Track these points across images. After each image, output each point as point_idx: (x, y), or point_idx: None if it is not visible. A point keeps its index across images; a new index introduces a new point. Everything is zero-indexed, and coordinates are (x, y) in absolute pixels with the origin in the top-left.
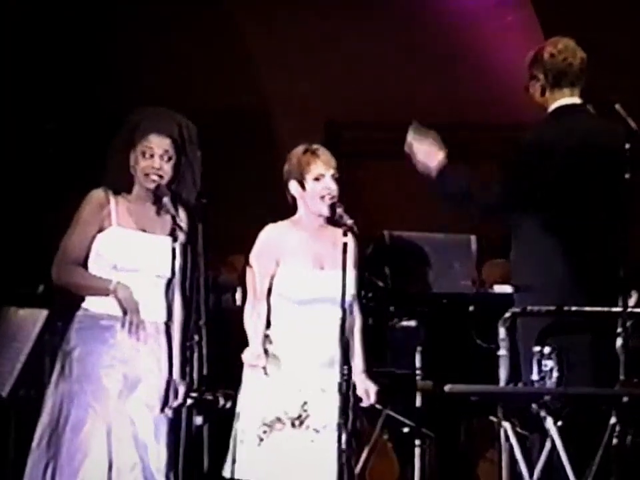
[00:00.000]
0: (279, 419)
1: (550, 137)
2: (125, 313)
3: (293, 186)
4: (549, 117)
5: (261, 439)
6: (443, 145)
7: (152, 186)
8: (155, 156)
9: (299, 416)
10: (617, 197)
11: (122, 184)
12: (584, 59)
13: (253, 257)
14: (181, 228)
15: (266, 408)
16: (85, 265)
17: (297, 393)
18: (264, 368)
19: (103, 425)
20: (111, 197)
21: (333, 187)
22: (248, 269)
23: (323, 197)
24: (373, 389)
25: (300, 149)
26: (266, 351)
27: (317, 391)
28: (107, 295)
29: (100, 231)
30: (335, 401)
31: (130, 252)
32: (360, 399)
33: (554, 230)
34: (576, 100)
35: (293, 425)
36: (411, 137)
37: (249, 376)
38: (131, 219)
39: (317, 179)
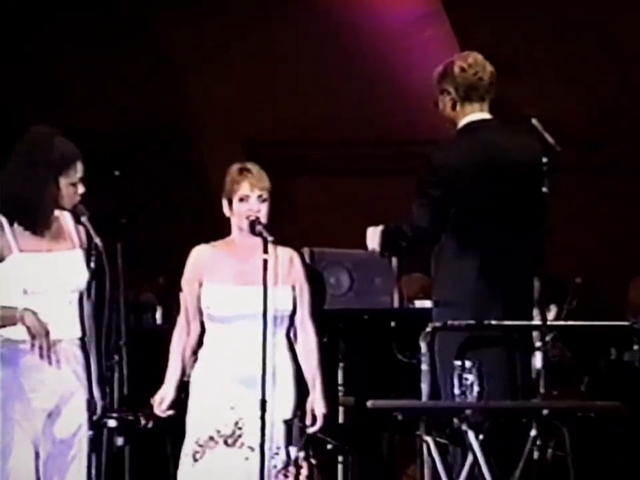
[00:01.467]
0: (211, 438)
1: (461, 153)
2: (33, 338)
3: (225, 205)
4: (460, 132)
5: (195, 459)
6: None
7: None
8: (79, 183)
9: (233, 433)
10: (530, 210)
11: (40, 216)
12: (493, 73)
13: (182, 279)
14: (97, 247)
15: (199, 427)
16: None
17: (229, 411)
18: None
19: (30, 447)
20: (5, 225)
21: (256, 209)
22: (181, 291)
23: (247, 217)
24: (320, 411)
25: (235, 167)
26: (184, 386)
27: (251, 408)
28: (15, 323)
29: (0, 260)
30: (276, 418)
31: (37, 273)
32: (305, 422)
33: (470, 245)
34: (485, 115)
35: (226, 443)
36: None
37: (190, 396)
38: (34, 241)
39: (241, 200)
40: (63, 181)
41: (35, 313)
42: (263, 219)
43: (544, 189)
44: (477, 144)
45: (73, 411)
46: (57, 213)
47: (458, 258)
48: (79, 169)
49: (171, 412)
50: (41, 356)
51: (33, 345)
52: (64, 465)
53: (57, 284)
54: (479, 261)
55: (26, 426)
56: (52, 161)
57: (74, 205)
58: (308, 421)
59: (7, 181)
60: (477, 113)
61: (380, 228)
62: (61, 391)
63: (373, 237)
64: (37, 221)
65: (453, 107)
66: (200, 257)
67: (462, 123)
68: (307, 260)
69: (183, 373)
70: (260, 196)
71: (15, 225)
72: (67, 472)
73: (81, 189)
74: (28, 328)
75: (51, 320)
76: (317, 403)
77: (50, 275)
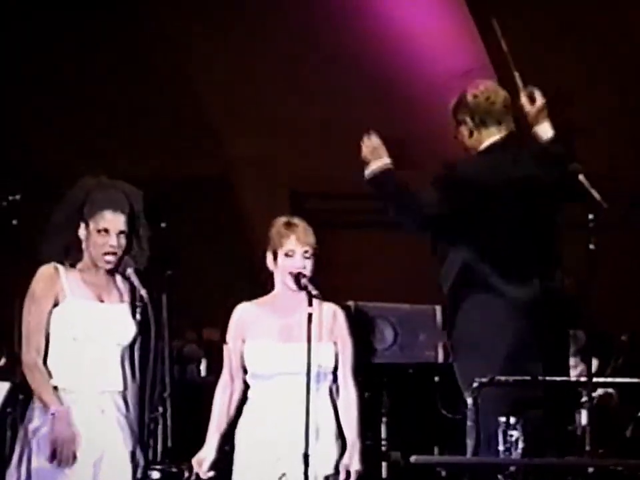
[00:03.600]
0: None
1: (478, 172)
2: (54, 446)
3: (269, 258)
4: (479, 154)
5: None
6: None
7: (108, 266)
8: (111, 234)
9: None
10: (552, 229)
11: (68, 257)
12: (507, 97)
13: (227, 337)
14: (144, 299)
15: (245, 478)
16: (47, 340)
17: (273, 466)
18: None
19: None
20: (60, 269)
21: (301, 265)
22: (224, 348)
23: (291, 273)
24: (354, 468)
25: (281, 220)
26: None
27: (295, 463)
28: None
29: (55, 305)
30: (319, 473)
31: (87, 322)
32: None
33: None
34: (502, 135)
35: None
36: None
37: (236, 450)
38: (86, 288)
39: (287, 255)
40: (91, 225)
41: (65, 418)
42: (308, 274)
43: (591, 246)
44: (493, 164)
45: (118, 461)
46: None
47: (483, 310)
48: (107, 219)
49: (211, 473)
50: (59, 465)
51: (52, 453)
52: None
53: (105, 335)
54: (507, 312)
55: (72, 476)
56: (74, 202)
57: (102, 255)
58: (341, 478)
59: (51, 228)
60: (493, 137)
61: (383, 161)
62: (106, 441)
63: (374, 154)
64: (61, 256)
65: (471, 135)
66: (243, 314)
67: (481, 148)
68: (352, 314)
69: (226, 432)
70: (306, 252)
71: (70, 270)
72: None
73: (113, 241)
74: (53, 434)
75: (96, 370)
76: (353, 461)
77: (99, 325)
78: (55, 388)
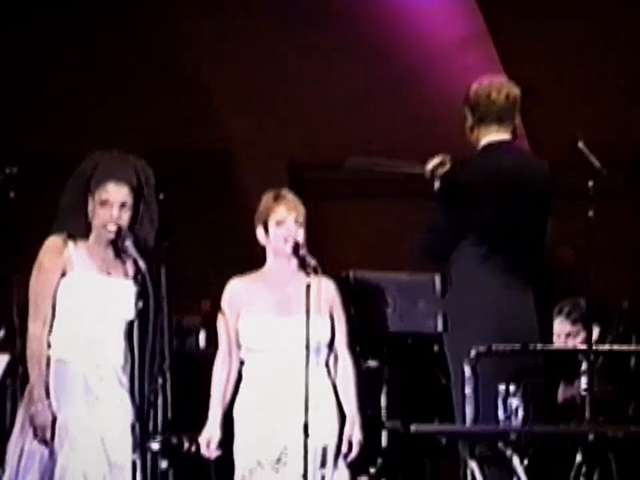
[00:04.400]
0: (259, 463)
1: (474, 174)
2: (35, 434)
3: (260, 232)
4: (476, 156)
5: None
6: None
7: (110, 237)
8: (113, 206)
9: (279, 459)
10: (542, 231)
11: (79, 230)
12: (511, 95)
13: (220, 312)
14: (142, 271)
15: (246, 455)
16: (53, 311)
17: (273, 439)
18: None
19: (80, 475)
20: (68, 241)
21: (293, 231)
22: (219, 319)
23: (285, 240)
24: (356, 439)
25: (269, 193)
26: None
27: (295, 435)
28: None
29: (63, 275)
30: (318, 444)
31: (93, 294)
32: (341, 450)
33: (487, 269)
34: (504, 136)
35: (274, 468)
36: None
37: (235, 424)
38: (92, 262)
39: (278, 223)
40: (96, 196)
41: (48, 416)
42: (296, 241)
43: (590, 213)
44: (489, 167)
45: (119, 434)
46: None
47: (482, 277)
48: (109, 190)
49: (219, 452)
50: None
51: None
52: None
53: (110, 309)
54: (504, 277)
55: (76, 448)
56: (81, 176)
57: (105, 227)
58: (344, 449)
59: (62, 201)
60: (493, 135)
61: (447, 168)
62: (109, 414)
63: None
64: (71, 229)
65: (471, 130)
66: (236, 289)
67: (480, 145)
68: (350, 283)
69: (227, 407)
70: (297, 220)
71: (78, 242)
72: None
73: (115, 212)
74: (34, 428)
75: (98, 343)
76: (354, 432)
77: (105, 298)
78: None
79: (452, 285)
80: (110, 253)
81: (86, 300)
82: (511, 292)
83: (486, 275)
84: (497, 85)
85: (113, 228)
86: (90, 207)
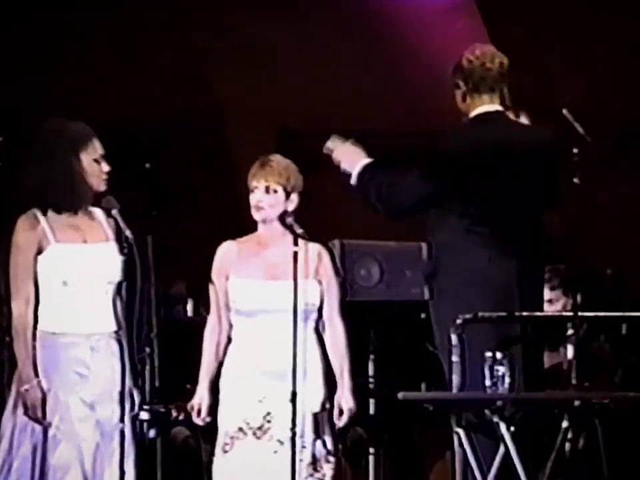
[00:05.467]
0: (240, 429)
1: (466, 144)
2: (25, 413)
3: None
4: (468, 124)
5: (225, 451)
6: (363, 150)
7: (104, 188)
8: (102, 160)
9: (261, 426)
10: (538, 198)
11: (76, 196)
12: (503, 63)
13: (211, 276)
14: (129, 241)
15: (229, 419)
16: (36, 286)
17: (258, 404)
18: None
19: (79, 444)
20: (40, 216)
21: (260, 198)
22: (210, 285)
23: (256, 208)
24: (347, 406)
25: (258, 161)
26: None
27: (280, 401)
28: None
29: (39, 252)
30: (305, 411)
31: (75, 265)
32: (332, 416)
33: (478, 235)
34: (495, 106)
35: (255, 435)
36: (330, 143)
37: (220, 389)
38: (68, 232)
39: (252, 191)
40: (85, 158)
41: (38, 394)
42: (267, 210)
43: (575, 180)
44: (485, 135)
45: (114, 403)
46: (90, 207)
47: (470, 247)
48: (97, 146)
49: (209, 419)
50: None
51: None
52: (108, 455)
53: (94, 276)
54: (488, 249)
55: (66, 418)
56: (68, 139)
57: (101, 183)
58: (335, 416)
59: (31, 173)
60: (486, 105)
61: (363, 162)
62: (101, 383)
63: (352, 162)
64: (72, 201)
65: (463, 99)
66: (226, 252)
67: (472, 114)
68: (338, 252)
69: (216, 373)
70: (267, 187)
71: (50, 215)
72: (111, 463)
73: (105, 167)
74: (25, 405)
75: (89, 312)
76: (344, 398)
77: (86, 266)
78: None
79: (436, 255)
80: (85, 220)
81: (69, 271)
82: (498, 263)
83: (472, 246)
84: (490, 54)
85: (106, 181)
86: (80, 168)
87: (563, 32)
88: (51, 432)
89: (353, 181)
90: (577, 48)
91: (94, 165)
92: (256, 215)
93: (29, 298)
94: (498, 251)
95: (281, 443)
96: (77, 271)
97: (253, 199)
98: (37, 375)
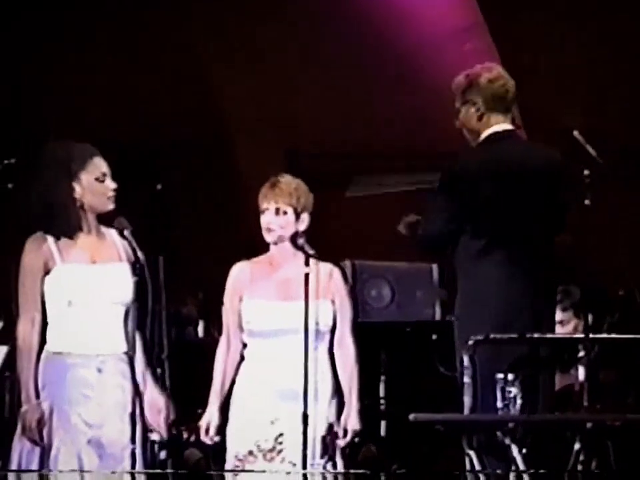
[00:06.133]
0: (250, 452)
1: (484, 162)
2: (23, 432)
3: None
4: (483, 143)
5: (236, 474)
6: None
7: (112, 207)
8: (107, 178)
9: (273, 448)
10: (550, 220)
11: (70, 225)
12: (513, 85)
13: (224, 297)
14: (140, 262)
15: (239, 441)
16: (44, 307)
17: (270, 426)
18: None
19: (74, 461)
20: (48, 237)
21: (271, 220)
22: (222, 308)
23: (267, 230)
24: (352, 427)
25: (269, 181)
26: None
27: (292, 423)
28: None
29: (46, 273)
30: (317, 433)
31: (81, 286)
32: (337, 436)
33: (492, 256)
34: (508, 126)
35: (266, 457)
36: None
37: (231, 410)
38: (77, 252)
39: (262, 212)
40: (85, 177)
41: (36, 413)
42: (278, 232)
43: (586, 202)
44: (501, 154)
45: (123, 424)
46: (102, 228)
47: (483, 269)
48: (99, 164)
49: (217, 438)
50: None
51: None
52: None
53: (103, 297)
54: (505, 272)
55: (68, 440)
56: (61, 163)
57: (106, 202)
58: (339, 435)
59: (30, 197)
60: (500, 124)
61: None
62: (107, 405)
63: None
64: (66, 227)
65: (480, 118)
66: (239, 274)
67: (486, 133)
68: (349, 272)
69: (227, 393)
70: (277, 209)
71: (62, 237)
72: None
73: (110, 185)
74: (23, 424)
75: (95, 333)
76: (350, 419)
77: (94, 287)
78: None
79: (451, 277)
80: (95, 240)
81: (74, 291)
82: (513, 283)
83: (487, 267)
84: (505, 75)
85: (112, 200)
86: (78, 193)
87: (574, 52)
88: (52, 452)
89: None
90: (586, 69)
91: (96, 184)
92: (267, 237)
93: (34, 318)
94: (512, 271)
95: (293, 465)
96: (83, 291)
97: (264, 220)
98: (37, 396)
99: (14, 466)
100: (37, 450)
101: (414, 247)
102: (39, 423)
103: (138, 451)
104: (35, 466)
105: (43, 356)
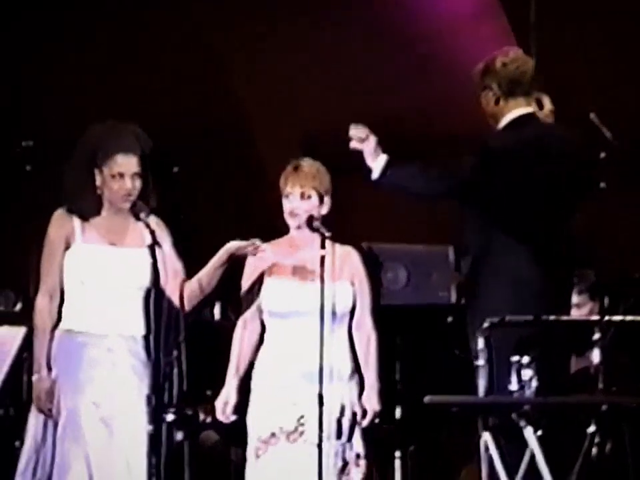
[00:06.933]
0: (273, 434)
1: (507, 148)
2: (37, 408)
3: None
4: (505, 128)
5: (257, 456)
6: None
7: (127, 206)
8: (125, 177)
9: (295, 429)
10: (575, 204)
11: (88, 209)
12: (534, 67)
13: (243, 278)
14: (159, 243)
15: (261, 423)
16: (61, 283)
17: (292, 407)
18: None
19: (87, 446)
20: (74, 214)
21: (297, 205)
22: (242, 288)
23: (291, 214)
24: (372, 408)
25: (291, 164)
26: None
27: (314, 404)
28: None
29: (67, 248)
30: (335, 414)
31: (97, 267)
32: (356, 417)
33: (516, 242)
34: (530, 109)
35: (289, 439)
36: (353, 131)
37: (252, 392)
38: (98, 234)
39: (286, 197)
40: (106, 172)
41: (46, 384)
42: (303, 216)
43: (602, 184)
44: (522, 138)
45: (131, 405)
46: (130, 214)
47: (503, 254)
48: (120, 162)
49: (234, 417)
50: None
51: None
52: (119, 456)
53: (118, 279)
54: (526, 258)
55: (74, 417)
56: (90, 148)
57: (120, 200)
58: (359, 417)
59: (63, 175)
60: (521, 108)
61: (384, 157)
62: (117, 384)
63: (374, 158)
64: (84, 206)
65: (497, 102)
66: (259, 255)
67: (507, 118)
68: (365, 255)
69: (244, 372)
70: (302, 194)
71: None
72: (127, 463)
73: (127, 184)
74: (34, 393)
75: (109, 314)
76: (371, 400)
77: (110, 269)
78: (69, 331)
79: (469, 259)
80: (119, 224)
81: (88, 271)
82: (531, 266)
83: (505, 250)
84: (523, 57)
85: (129, 199)
86: (98, 182)
87: (592, 34)
88: (59, 429)
89: (376, 177)
90: (603, 53)
91: (112, 181)
92: (291, 221)
93: (53, 293)
94: (530, 255)
95: (317, 446)
96: (98, 272)
97: (288, 205)
98: (49, 368)
99: (29, 440)
100: (50, 424)
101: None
102: (47, 394)
103: (152, 432)
104: (49, 440)
105: (56, 332)
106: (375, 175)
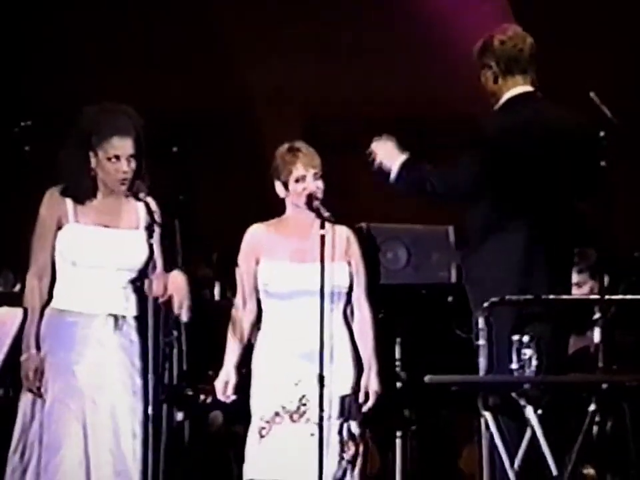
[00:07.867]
0: (277, 414)
1: (506, 126)
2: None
3: (278, 187)
4: (504, 106)
5: (262, 436)
6: (402, 150)
7: (124, 189)
8: (121, 159)
9: (298, 409)
10: (577, 182)
11: (82, 192)
12: (533, 44)
13: (239, 258)
14: (157, 223)
15: (264, 403)
16: (52, 263)
17: (293, 387)
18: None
19: (78, 425)
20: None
21: (314, 186)
22: (236, 270)
23: (305, 195)
24: (373, 389)
25: (284, 147)
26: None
27: (315, 383)
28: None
29: (59, 228)
30: (335, 393)
31: (88, 248)
32: (358, 399)
33: (515, 220)
34: (528, 87)
35: (292, 418)
36: (374, 144)
37: (253, 373)
38: (91, 215)
39: (297, 180)
40: (101, 155)
41: (35, 362)
42: (320, 195)
43: (602, 163)
44: (522, 117)
45: (121, 385)
46: (125, 196)
47: (503, 233)
48: (116, 145)
49: (234, 397)
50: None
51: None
52: (110, 435)
53: (112, 261)
54: (525, 236)
55: (73, 401)
56: (85, 130)
57: (116, 183)
58: (361, 399)
59: (58, 157)
60: (519, 87)
61: (401, 158)
62: (107, 365)
63: (390, 159)
64: (77, 188)
65: (495, 81)
66: (256, 235)
67: (505, 96)
68: (365, 235)
69: (242, 353)
70: (315, 174)
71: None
72: (118, 442)
73: (123, 167)
74: (22, 371)
75: (99, 295)
76: (371, 381)
77: (102, 250)
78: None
79: (469, 239)
80: (113, 205)
81: (80, 252)
82: (532, 246)
83: (505, 229)
84: (522, 35)
85: (125, 181)
86: (93, 164)
87: (591, 13)
88: (46, 407)
89: (395, 170)
90: (603, 31)
91: (107, 164)
92: (301, 201)
93: (42, 272)
94: (531, 234)
95: (318, 425)
96: (89, 253)
97: (301, 186)
98: (38, 347)
99: (20, 418)
100: (39, 403)
101: (433, 199)
102: (35, 373)
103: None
104: (37, 419)
105: (46, 311)
106: (392, 176)
